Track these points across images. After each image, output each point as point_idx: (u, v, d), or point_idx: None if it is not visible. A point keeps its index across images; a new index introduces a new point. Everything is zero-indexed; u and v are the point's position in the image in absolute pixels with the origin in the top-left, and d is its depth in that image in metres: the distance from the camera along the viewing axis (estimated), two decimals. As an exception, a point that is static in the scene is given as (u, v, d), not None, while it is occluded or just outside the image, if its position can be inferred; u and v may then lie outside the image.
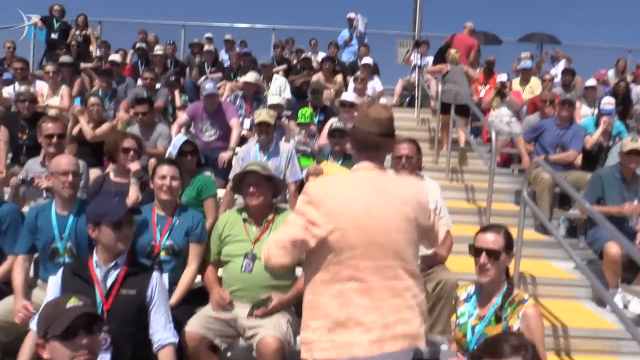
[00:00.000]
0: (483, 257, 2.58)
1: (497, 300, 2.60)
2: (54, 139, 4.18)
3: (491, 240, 2.61)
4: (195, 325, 3.05)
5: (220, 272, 3.42)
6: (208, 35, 11.19)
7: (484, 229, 2.71)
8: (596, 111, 7.32)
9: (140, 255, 3.30)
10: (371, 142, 2.28)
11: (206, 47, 9.62)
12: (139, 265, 2.91)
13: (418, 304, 2.27)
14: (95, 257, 2.77)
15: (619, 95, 8.37)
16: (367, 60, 9.31)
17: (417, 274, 2.31)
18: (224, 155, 5.56)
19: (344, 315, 2.16)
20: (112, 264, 2.74)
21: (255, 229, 3.31)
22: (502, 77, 7.91)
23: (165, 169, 3.47)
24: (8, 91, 7.16)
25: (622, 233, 4.52)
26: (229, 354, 3.28)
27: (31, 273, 3.45)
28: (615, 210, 4.48)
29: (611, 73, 10.64)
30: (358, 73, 7.97)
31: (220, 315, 3.15)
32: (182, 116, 6.14)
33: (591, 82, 8.26)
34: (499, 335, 1.92)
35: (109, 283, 2.71)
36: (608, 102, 6.66)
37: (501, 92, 7.68)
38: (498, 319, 2.55)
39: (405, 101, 10.44)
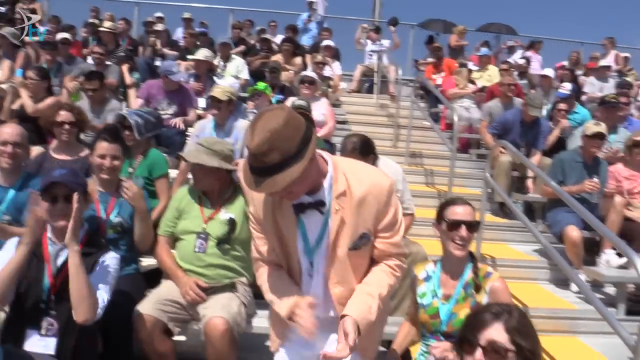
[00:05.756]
0: (463, 230, 2.42)
1: (464, 276, 2.46)
2: None
3: (468, 211, 2.46)
4: (148, 308, 2.85)
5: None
6: (158, 14, 10.78)
7: (451, 202, 2.53)
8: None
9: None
10: None
11: (158, 27, 9.23)
12: (97, 245, 2.61)
13: None
14: (49, 233, 2.50)
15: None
16: (329, 42, 9.18)
17: None
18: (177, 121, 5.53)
19: None
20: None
21: (210, 206, 3.14)
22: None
23: (104, 147, 3.13)
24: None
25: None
26: (183, 338, 3.10)
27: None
28: (576, 188, 4.46)
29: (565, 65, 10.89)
30: (318, 57, 7.75)
31: (175, 297, 2.96)
32: (138, 101, 5.83)
33: (547, 71, 8.38)
34: (480, 306, 1.81)
35: (59, 262, 2.45)
36: (562, 87, 6.77)
37: (468, 76, 7.78)
38: (478, 288, 2.40)
39: (364, 87, 10.36)
